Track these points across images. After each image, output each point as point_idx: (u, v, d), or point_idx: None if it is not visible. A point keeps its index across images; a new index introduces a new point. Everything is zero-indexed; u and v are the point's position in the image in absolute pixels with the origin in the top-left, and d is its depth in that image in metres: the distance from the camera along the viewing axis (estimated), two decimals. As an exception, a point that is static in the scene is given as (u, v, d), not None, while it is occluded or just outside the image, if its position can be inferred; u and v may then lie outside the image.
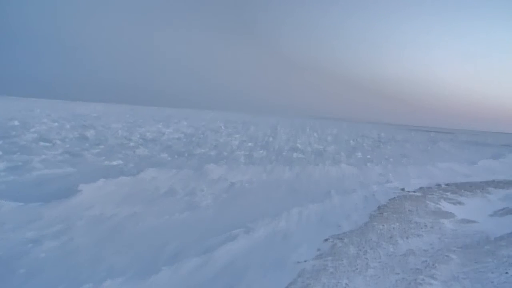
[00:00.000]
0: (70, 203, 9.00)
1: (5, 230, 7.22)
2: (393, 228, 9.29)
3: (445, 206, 12.42)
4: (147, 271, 6.02)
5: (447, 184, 16.64)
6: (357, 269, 6.55)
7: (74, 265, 6.11)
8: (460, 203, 13.17)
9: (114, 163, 15.11)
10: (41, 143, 18.66)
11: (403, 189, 14.56)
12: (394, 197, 12.93)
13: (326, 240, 8.09)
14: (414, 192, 14.30)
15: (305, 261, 6.86)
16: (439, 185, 16.38)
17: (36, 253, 6.45)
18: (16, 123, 29.57)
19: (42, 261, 6.20)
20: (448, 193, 14.51)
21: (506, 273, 6.52)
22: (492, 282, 6.22)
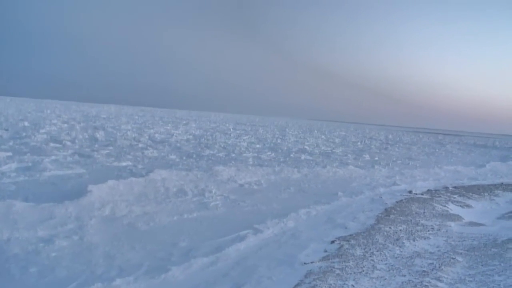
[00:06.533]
0: (81, 203, 9.12)
1: (17, 229, 7.35)
2: (400, 230, 9.35)
3: (453, 208, 12.44)
4: (158, 269, 6.15)
5: (454, 187, 16.63)
6: (363, 270, 6.61)
7: (85, 264, 6.21)
8: (467, 205, 13.19)
9: (124, 164, 15.27)
10: (52, 144, 18.88)
11: (410, 192, 14.58)
12: (401, 199, 12.96)
13: (333, 241, 8.16)
14: (421, 194, 14.31)
15: (312, 262, 6.94)
16: (446, 187, 16.38)
17: (48, 252, 6.57)
18: (27, 124, 29.92)
19: (54, 260, 6.31)
20: (456, 196, 14.52)
21: (513, 275, 6.56)
22: (499, 285, 6.26)
